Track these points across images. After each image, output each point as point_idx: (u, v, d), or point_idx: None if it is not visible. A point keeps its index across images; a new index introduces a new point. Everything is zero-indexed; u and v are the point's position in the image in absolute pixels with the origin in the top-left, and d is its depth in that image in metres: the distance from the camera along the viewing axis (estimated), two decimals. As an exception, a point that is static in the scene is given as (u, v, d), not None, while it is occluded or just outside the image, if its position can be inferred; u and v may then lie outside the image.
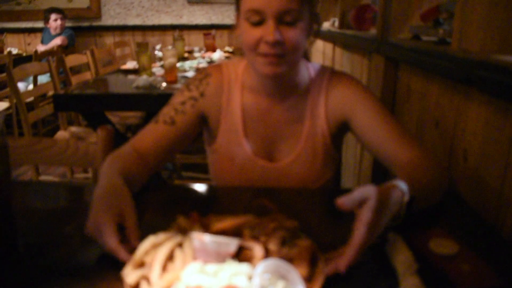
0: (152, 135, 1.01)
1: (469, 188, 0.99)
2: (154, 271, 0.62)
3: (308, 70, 1.07)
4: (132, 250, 0.68)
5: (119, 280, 0.64)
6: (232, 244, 0.65)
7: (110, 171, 0.85)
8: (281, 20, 0.89)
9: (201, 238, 0.65)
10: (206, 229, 0.72)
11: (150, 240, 0.67)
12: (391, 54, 1.49)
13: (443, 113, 1.15)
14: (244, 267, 0.62)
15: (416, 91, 1.36)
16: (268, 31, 0.88)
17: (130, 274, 0.63)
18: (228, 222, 0.72)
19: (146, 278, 0.63)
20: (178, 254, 0.66)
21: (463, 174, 1.02)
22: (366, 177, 1.87)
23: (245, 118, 1.06)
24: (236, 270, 0.62)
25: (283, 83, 1.02)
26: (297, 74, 1.03)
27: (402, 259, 0.67)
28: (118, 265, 0.70)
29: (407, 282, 0.62)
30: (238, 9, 0.97)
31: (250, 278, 0.61)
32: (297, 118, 1.05)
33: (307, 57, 1.11)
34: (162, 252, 0.65)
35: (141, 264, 0.66)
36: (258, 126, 1.06)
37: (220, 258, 0.64)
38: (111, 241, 0.68)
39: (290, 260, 0.65)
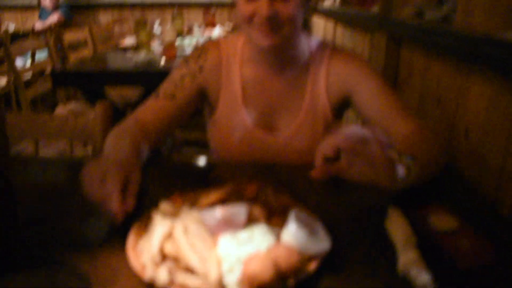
0: (153, 109, 1.02)
1: (469, 165, 0.99)
2: (193, 261, 0.59)
3: (308, 44, 1.07)
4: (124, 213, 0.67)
5: (119, 252, 0.64)
6: (242, 210, 0.66)
7: (122, 144, 0.85)
8: None
9: (213, 214, 0.65)
10: (194, 206, 0.72)
11: (160, 232, 0.63)
12: (394, 31, 1.47)
13: (445, 91, 1.14)
14: (263, 227, 0.64)
15: (418, 68, 1.35)
16: (262, 6, 0.89)
17: (159, 274, 0.57)
18: (214, 196, 0.72)
19: (175, 271, 0.59)
20: (192, 237, 0.62)
21: (464, 151, 1.02)
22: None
23: (245, 89, 1.06)
24: (262, 231, 0.63)
25: (282, 55, 1.02)
26: (297, 46, 1.03)
27: (401, 233, 0.67)
28: (118, 238, 0.70)
29: (406, 256, 0.62)
30: None
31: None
32: (297, 91, 1.05)
33: (308, 30, 1.10)
34: (183, 241, 0.61)
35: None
36: (258, 97, 1.06)
37: (237, 226, 0.65)
38: (115, 187, 0.67)
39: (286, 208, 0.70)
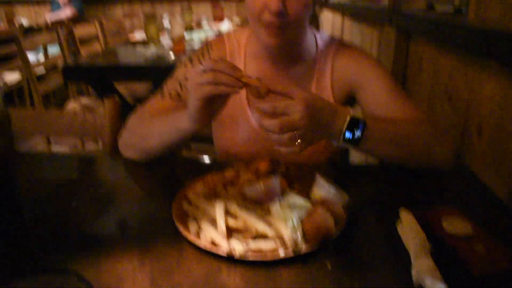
0: (159, 109, 1.00)
1: (483, 164, 0.97)
2: (262, 227, 0.66)
3: (316, 40, 1.05)
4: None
5: (124, 259, 0.65)
6: (277, 182, 0.76)
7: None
8: None
9: (257, 189, 0.75)
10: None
11: (220, 211, 0.70)
12: (403, 25, 1.44)
13: (457, 87, 1.12)
14: (293, 193, 0.77)
15: (428, 64, 1.32)
16: (272, 0, 0.86)
17: (235, 245, 0.64)
18: (242, 176, 0.80)
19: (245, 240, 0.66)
20: (248, 210, 0.71)
21: (477, 150, 1.00)
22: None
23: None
24: (296, 196, 0.76)
25: (288, 52, 1.01)
26: (303, 43, 1.02)
27: (414, 239, 0.65)
28: (126, 236, 0.71)
29: (420, 263, 0.60)
30: None
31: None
32: (303, 88, 1.04)
33: (316, 25, 1.09)
34: (245, 214, 0.69)
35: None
36: None
37: (276, 195, 0.75)
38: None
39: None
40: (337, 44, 1.04)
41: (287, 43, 0.93)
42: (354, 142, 0.80)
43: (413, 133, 0.88)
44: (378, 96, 0.96)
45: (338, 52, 1.03)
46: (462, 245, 0.66)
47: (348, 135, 0.79)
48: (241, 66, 1.04)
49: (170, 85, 1.03)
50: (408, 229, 0.69)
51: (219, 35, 1.10)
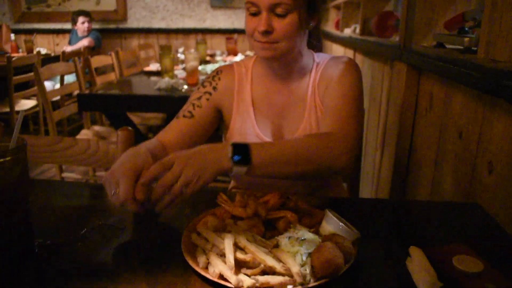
0: (174, 129, 1.12)
1: (493, 201, 0.96)
2: (270, 261, 0.66)
3: (314, 58, 1.17)
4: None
5: (133, 284, 0.65)
6: None
7: (136, 150, 0.94)
8: (274, 11, 1.01)
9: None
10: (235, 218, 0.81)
11: (229, 245, 0.70)
12: (414, 62, 1.46)
13: (467, 124, 1.12)
14: (302, 228, 0.78)
15: (439, 100, 1.33)
16: (260, 22, 1.02)
17: (244, 279, 0.64)
18: (248, 210, 0.81)
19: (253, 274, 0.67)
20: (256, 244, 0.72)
21: (488, 187, 0.99)
22: (384, 185, 1.84)
23: (255, 104, 1.17)
24: (305, 230, 0.77)
25: (286, 68, 1.13)
26: (300, 60, 1.13)
27: (424, 277, 0.65)
28: (134, 266, 0.71)
29: None
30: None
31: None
32: (300, 98, 1.15)
33: (319, 47, 1.21)
34: (254, 247, 0.70)
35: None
36: (266, 110, 1.17)
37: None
38: (126, 188, 0.78)
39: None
40: (330, 57, 1.17)
41: (279, 56, 1.06)
42: (245, 162, 0.84)
43: (301, 147, 0.92)
44: (331, 99, 1.06)
45: (328, 63, 1.15)
46: (473, 283, 0.65)
47: (236, 158, 0.84)
48: (248, 86, 1.18)
49: (184, 108, 1.16)
50: (418, 266, 0.68)
51: (230, 63, 1.25)
